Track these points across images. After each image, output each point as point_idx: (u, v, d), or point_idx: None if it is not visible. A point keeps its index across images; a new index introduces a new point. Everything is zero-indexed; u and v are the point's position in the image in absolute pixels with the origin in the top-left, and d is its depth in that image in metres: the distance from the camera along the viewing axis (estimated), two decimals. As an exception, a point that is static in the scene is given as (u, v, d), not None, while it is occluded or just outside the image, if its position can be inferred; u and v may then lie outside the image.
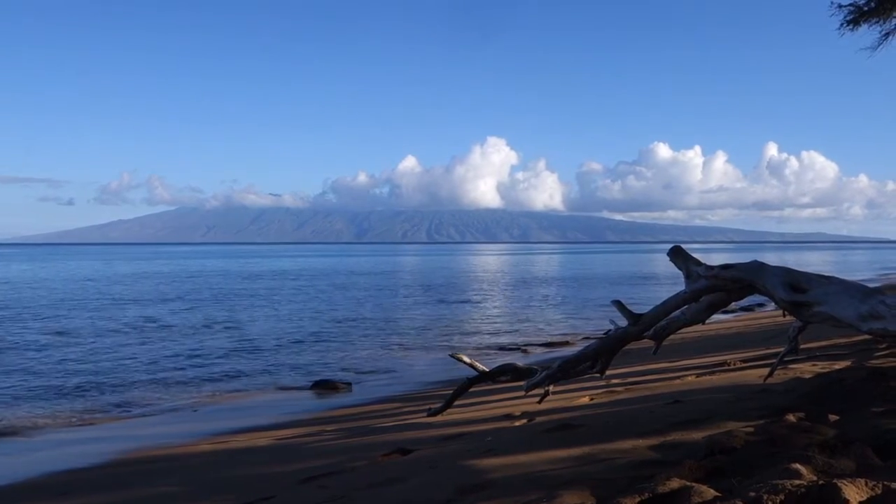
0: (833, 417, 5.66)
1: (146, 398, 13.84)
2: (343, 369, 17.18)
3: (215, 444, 9.84)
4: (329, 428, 10.11)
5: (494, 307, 34.18)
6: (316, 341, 21.92)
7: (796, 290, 5.62)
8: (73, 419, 12.20)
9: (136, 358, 18.65)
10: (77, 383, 15.24)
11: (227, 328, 25.33)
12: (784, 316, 7.03)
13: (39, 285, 51.39)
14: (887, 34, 9.96)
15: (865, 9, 9.88)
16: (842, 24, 9.96)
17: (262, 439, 9.80)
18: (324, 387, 14.47)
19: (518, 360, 15.43)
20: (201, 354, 19.27)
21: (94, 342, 21.64)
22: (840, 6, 9.91)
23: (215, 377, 16.06)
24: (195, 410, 12.88)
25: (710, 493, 3.80)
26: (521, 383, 8.11)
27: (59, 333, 23.68)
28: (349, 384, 14.75)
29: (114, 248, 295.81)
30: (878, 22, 9.90)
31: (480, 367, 8.68)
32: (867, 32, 9.98)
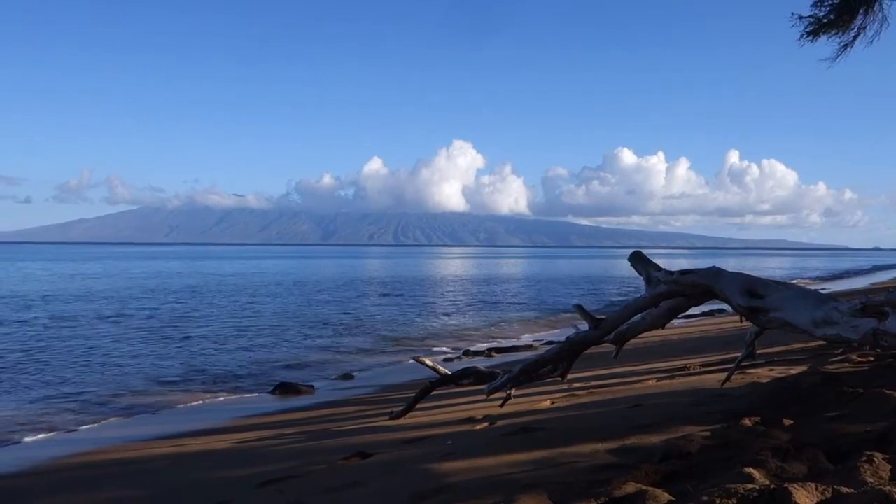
0: (787, 422, 5.74)
1: (101, 400, 13.56)
2: (305, 371, 17.04)
3: (173, 447, 9.67)
4: (289, 431, 9.99)
5: (459, 310, 34.18)
6: (277, 344, 21.72)
7: (753, 295, 5.70)
8: (25, 421, 11.92)
9: (90, 359, 18.29)
10: (26, 383, 14.91)
11: (184, 330, 24.95)
12: (741, 321, 7.12)
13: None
14: (845, 46, 10.14)
15: (825, 21, 10.05)
16: (802, 36, 10.12)
17: (221, 442, 9.66)
18: (285, 389, 14.28)
19: (481, 363, 15.44)
20: (159, 356, 18.98)
21: (37, 343, 21.18)
22: (800, 17, 10.07)
23: (174, 379, 15.80)
24: (154, 413, 12.66)
25: (665, 497, 3.82)
26: (483, 387, 8.11)
27: None
28: (311, 386, 14.60)
29: (74, 248, 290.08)
30: (836, 34, 10.08)
31: (443, 370, 8.68)
32: (826, 44, 10.15)
